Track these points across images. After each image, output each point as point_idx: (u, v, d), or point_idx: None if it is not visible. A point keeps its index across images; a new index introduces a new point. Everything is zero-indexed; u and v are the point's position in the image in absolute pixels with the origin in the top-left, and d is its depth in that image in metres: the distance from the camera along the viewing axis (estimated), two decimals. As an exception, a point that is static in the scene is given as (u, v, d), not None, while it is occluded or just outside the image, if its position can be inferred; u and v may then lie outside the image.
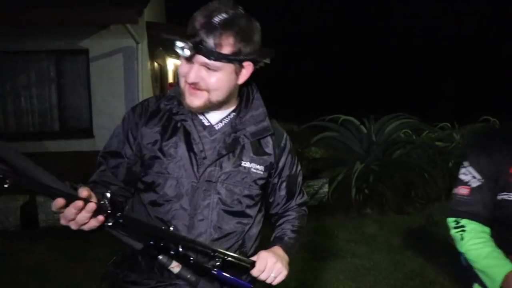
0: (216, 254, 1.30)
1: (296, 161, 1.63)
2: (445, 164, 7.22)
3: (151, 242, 1.26)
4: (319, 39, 20.73)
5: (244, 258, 1.36)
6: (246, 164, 1.46)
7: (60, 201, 1.10)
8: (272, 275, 1.37)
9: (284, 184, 1.59)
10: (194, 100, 1.37)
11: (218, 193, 1.43)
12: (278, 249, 1.47)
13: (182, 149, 1.43)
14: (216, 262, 1.30)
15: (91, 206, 1.14)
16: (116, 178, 1.48)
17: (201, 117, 1.47)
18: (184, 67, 1.36)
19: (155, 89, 9.57)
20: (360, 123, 7.23)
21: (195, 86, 1.35)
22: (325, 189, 6.69)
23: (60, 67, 7.87)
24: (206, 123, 1.47)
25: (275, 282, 1.39)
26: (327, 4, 21.14)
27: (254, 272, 1.36)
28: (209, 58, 1.30)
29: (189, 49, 1.27)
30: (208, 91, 1.36)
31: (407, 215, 6.36)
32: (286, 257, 1.46)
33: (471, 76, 19.71)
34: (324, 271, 4.39)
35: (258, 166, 1.48)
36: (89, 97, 7.79)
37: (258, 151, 1.49)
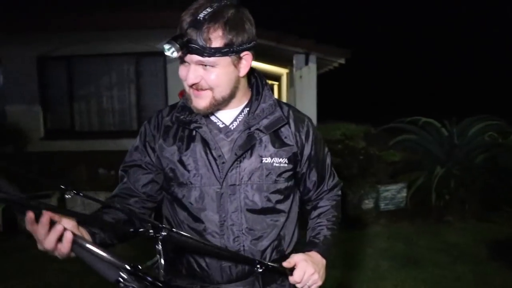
0: (257, 263, 1.31)
1: (322, 145, 1.57)
2: (535, 170, 6.72)
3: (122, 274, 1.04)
4: (398, 38, 20.15)
5: (283, 268, 1.38)
6: (267, 159, 1.41)
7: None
8: (307, 284, 1.40)
9: (313, 171, 1.55)
10: (200, 102, 1.35)
11: (245, 195, 1.40)
12: (316, 255, 1.46)
13: (201, 157, 1.41)
14: (257, 270, 1.32)
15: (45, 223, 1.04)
16: (137, 190, 1.48)
17: (215, 119, 1.44)
18: (182, 70, 1.34)
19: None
20: (441, 126, 6.92)
21: (197, 87, 1.33)
22: (403, 193, 6.46)
23: (139, 69, 8.16)
24: (221, 125, 1.44)
25: None
26: (405, 4, 20.51)
27: (291, 280, 1.39)
28: (202, 55, 1.27)
29: (176, 50, 1.23)
30: (210, 89, 1.33)
31: (492, 224, 5.96)
32: (323, 262, 1.47)
33: None
34: (405, 280, 4.21)
35: (280, 160, 1.43)
36: (166, 98, 8.00)
37: (278, 144, 1.44)
